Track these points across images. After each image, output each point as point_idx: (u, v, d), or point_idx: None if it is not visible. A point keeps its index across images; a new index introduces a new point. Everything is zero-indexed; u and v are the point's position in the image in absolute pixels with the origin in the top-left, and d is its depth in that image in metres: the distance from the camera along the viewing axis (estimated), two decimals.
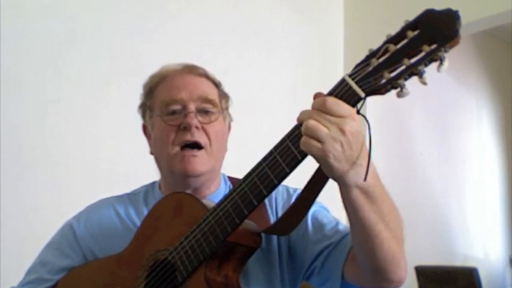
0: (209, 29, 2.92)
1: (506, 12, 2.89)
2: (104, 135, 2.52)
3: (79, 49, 2.51)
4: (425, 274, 3.67)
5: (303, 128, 0.82)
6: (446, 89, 4.39)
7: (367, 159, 0.83)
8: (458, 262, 4.32)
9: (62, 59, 2.46)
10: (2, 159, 2.25)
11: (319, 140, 0.79)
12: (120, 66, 2.59)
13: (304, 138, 0.81)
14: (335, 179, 0.86)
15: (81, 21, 2.53)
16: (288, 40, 3.32)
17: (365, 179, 0.83)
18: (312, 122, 0.80)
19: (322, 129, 0.79)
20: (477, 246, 4.66)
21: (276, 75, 3.19)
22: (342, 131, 0.80)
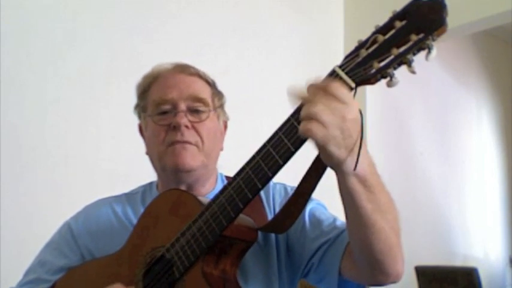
0: (209, 29, 2.92)
1: (506, 12, 2.89)
2: (104, 135, 2.52)
3: (79, 49, 2.51)
4: (425, 274, 3.67)
5: (307, 111, 0.81)
6: (446, 89, 4.40)
7: (363, 147, 0.84)
8: (458, 262, 4.32)
9: (62, 59, 2.46)
10: (2, 159, 2.25)
11: (323, 125, 0.79)
12: (120, 66, 2.59)
13: (307, 123, 0.80)
14: (333, 167, 0.86)
15: (81, 21, 2.53)
16: (288, 40, 3.33)
17: (355, 167, 0.83)
18: (319, 107, 0.80)
19: (327, 115, 0.79)
20: (477, 246, 4.66)
21: (276, 75, 3.19)
22: (344, 118, 0.80)
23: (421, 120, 4.15)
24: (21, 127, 2.33)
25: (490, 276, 4.49)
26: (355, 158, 0.83)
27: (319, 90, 0.82)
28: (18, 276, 1.23)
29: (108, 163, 2.49)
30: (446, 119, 4.48)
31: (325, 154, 0.83)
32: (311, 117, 0.80)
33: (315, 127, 0.80)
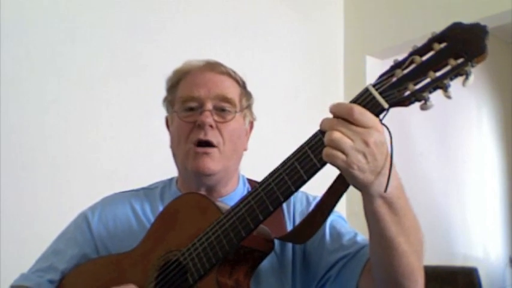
0: (209, 29, 2.92)
1: (506, 12, 2.89)
2: (104, 135, 2.51)
3: (79, 49, 2.51)
4: (425, 274, 3.66)
5: (326, 139, 0.81)
6: None
7: (392, 169, 0.83)
8: (458, 262, 4.31)
9: (61, 58, 2.46)
10: (2, 159, 2.24)
11: (343, 152, 0.79)
12: (120, 66, 2.59)
13: (328, 150, 0.80)
14: (358, 189, 0.85)
15: (81, 21, 2.53)
16: (288, 40, 3.32)
17: (385, 189, 0.83)
18: (336, 134, 0.79)
19: (346, 141, 0.79)
20: (477, 246, 4.65)
21: (276, 75, 3.19)
22: (366, 142, 0.79)
23: (421, 120, 4.14)
24: (21, 127, 2.33)
25: (490, 276, 4.49)
26: (382, 180, 0.82)
27: (341, 115, 0.81)
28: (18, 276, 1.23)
29: (108, 163, 2.49)
30: (446, 119, 4.47)
31: (349, 178, 0.83)
32: (331, 145, 0.80)
33: (335, 153, 0.79)
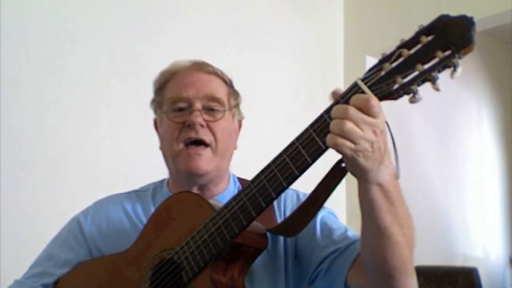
0: (209, 29, 2.92)
1: (506, 12, 2.89)
2: (104, 135, 2.51)
3: (79, 49, 2.51)
4: (425, 274, 3.67)
5: (337, 129, 0.80)
6: (446, 89, 4.38)
7: (392, 157, 0.85)
8: (458, 262, 4.31)
9: (61, 58, 2.46)
10: (2, 159, 2.25)
11: (352, 141, 0.80)
12: (120, 66, 2.59)
13: (337, 139, 0.80)
14: (357, 176, 0.86)
15: (81, 21, 2.53)
16: (288, 40, 3.32)
17: (397, 177, 0.85)
18: (349, 125, 0.79)
19: (358, 132, 0.80)
20: (477, 246, 4.65)
21: (276, 75, 3.19)
22: (375, 132, 0.81)
23: (421, 120, 4.14)
24: (21, 127, 2.33)
25: (490, 276, 4.49)
26: (382, 168, 0.84)
27: (358, 104, 0.81)
28: (18, 276, 1.23)
29: (108, 163, 2.49)
30: (446, 119, 4.48)
31: (352, 164, 0.84)
32: (341, 134, 0.80)
33: (344, 142, 0.80)
